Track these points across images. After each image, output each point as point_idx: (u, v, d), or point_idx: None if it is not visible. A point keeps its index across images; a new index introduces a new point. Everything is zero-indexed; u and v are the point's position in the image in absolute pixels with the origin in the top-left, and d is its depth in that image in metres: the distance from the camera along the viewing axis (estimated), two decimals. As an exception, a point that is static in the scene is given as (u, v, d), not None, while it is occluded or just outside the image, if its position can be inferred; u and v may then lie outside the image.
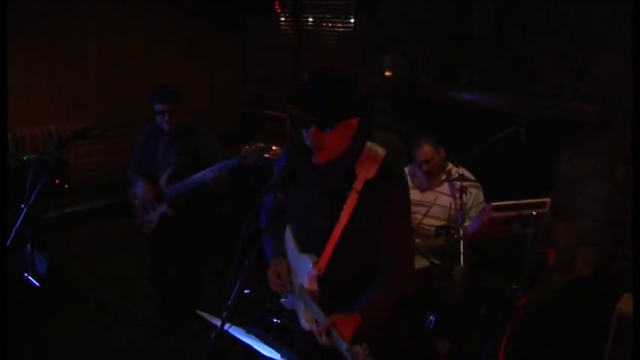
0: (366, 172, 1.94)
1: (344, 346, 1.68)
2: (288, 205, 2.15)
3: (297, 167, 1.99)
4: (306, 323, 2.05)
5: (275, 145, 5.81)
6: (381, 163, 1.96)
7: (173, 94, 3.58)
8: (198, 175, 3.48)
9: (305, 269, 2.03)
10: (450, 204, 3.51)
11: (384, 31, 5.05)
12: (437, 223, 3.51)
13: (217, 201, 4.32)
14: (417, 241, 3.52)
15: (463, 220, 3.35)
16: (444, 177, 3.63)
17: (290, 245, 2.18)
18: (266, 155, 5.48)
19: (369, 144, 2.02)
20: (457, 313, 3.38)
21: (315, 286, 2.01)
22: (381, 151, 2.01)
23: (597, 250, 3.98)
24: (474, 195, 3.55)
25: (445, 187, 3.63)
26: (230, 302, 1.83)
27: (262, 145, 3.33)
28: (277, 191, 1.99)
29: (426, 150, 3.54)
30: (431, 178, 3.63)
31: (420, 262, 3.28)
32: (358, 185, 1.93)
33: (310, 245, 2.05)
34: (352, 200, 1.93)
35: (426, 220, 3.56)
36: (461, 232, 3.23)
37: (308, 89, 1.85)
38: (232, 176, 3.61)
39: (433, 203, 3.58)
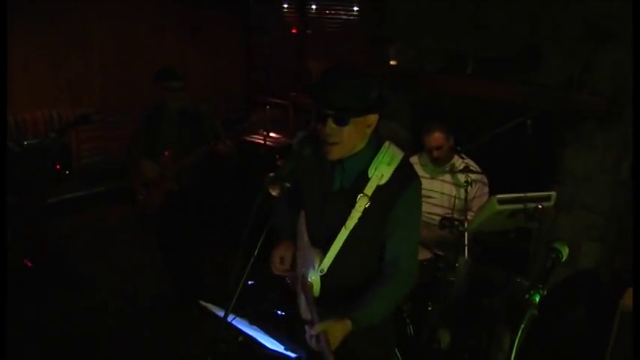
0: (379, 177, 1.90)
1: (326, 352, 1.69)
2: (302, 195, 2.13)
3: (302, 157, 1.96)
4: (303, 312, 2.06)
5: (274, 132, 5.79)
6: (395, 170, 1.92)
7: (182, 72, 3.73)
8: (205, 147, 3.57)
9: (310, 264, 2.01)
10: (455, 194, 3.50)
11: (389, 20, 5.00)
12: (441, 212, 3.51)
13: (221, 177, 4.35)
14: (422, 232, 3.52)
15: (467, 212, 3.33)
16: (447, 168, 3.62)
17: (302, 233, 2.15)
18: (268, 143, 5.54)
19: (387, 144, 1.97)
20: (460, 304, 3.38)
21: (317, 282, 2.00)
22: (398, 153, 1.96)
23: (601, 245, 3.96)
24: (478, 186, 3.54)
25: (449, 177, 3.63)
26: (234, 293, 1.82)
27: (270, 111, 3.37)
28: (281, 184, 1.95)
29: (437, 136, 3.54)
30: (438, 167, 3.62)
31: (424, 254, 3.27)
32: (370, 190, 1.90)
33: (318, 240, 2.03)
34: (362, 204, 1.90)
35: (431, 209, 3.56)
36: (465, 224, 3.22)
37: (326, 82, 1.81)
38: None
39: (439, 192, 3.58)
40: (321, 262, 1.97)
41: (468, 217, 3.33)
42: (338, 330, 1.77)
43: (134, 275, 4.41)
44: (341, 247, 1.95)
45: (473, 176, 3.44)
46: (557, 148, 4.08)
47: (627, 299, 3.14)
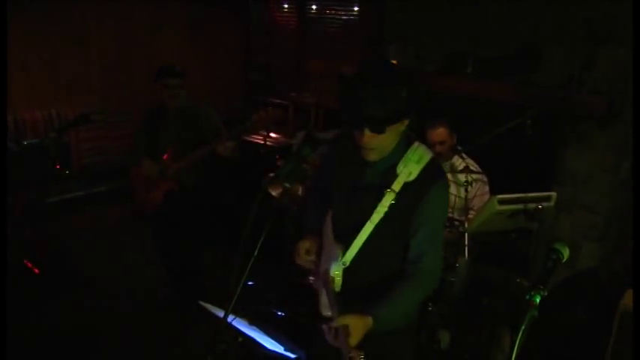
0: (407, 174, 1.92)
1: (345, 348, 1.68)
2: (331, 192, 2.16)
3: (303, 158, 1.97)
4: (324, 308, 2.05)
5: (274, 132, 5.79)
6: (424, 168, 1.93)
7: (181, 70, 3.73)
8: (206, 147, 3.55)
9: (333, 258, 2.02)
10: (455, 193, 3.50)
11: (389, 20, 4.99)
12: None
13: (222, 177, 4.35)
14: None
15: (467, 212, 3.33)
16: (447, 167, 3.62)
17: (328, 232, 2.17)
18: (268, 143, 5.54)
19: (416, 144, 1.98)
20: (460, 305, 3.37)
21: (339, 276, 2.00)
22: (427, 153, 1.98)
23: (601, 245, 3.96)
24: (479, 185, 3.54)
25: (450, 176, 3.62)
26: (234, 293, 1.82)
27: (272, 111, 3.37)
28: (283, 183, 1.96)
29: (441, 131, 3.55)
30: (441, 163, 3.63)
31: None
32: (397, 186, 1.91)
33: (343, 235, 2.04)
34: (388, 199, 1.91)
35: None
36: (465, 224, 3.21)
37: (358, 93, 1.78)
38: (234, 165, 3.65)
39: None
40: (344, 254, 1.97)
41: (469, 216, 3.33)
42: (359, 326, 1.76)
43: (134, 275, 4.41)
44: (365, 240, 1.96)
45: (473, 176, 3.44)
46: (557, 148, 4.07)
47: (627, 299, 3.13)
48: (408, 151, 1.95)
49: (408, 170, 1.91)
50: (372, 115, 1.77)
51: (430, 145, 3.58)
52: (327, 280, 2.01)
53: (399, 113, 1.80)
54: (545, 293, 1.35)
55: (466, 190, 3.36)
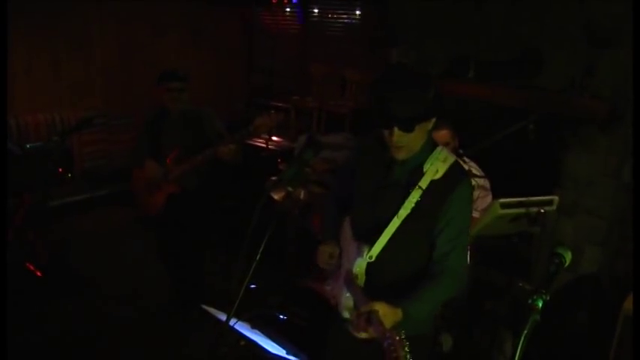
0: (434, 172, 1.97)
1: (381, 331, 1.68)
2: (353, 193, 2.18)
3: (305, 162, 1.97)
4: (344, 311, 2.07)
5: (276, 136, 5.79)
6: (450, 167, 1.99)
7: (184, 74, 3.75)
8: (209, 151, 3.54)
9: (356, 256, 2.03)
10: None
11: (391, 24, 5.00)
12: None
13: (224, 181, 4.35)
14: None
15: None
16: None
17: (346, 232, 2.19)
18: (270, 146, 5.54)
19: (441, 147, 2.06)
20: (462, 308, 3.37)
21: (362, 273, 2.02)
22: (452, 155, 2.04)
23: (603, 249, 3.95)
24: (481, 188, 3.53)
25: None
26: (236, 297, 1.82)
27: (275, 114, 3.39)
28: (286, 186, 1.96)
29: (445, 133, 3.53)
30: None
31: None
32: (424, 183, 1.96)
33: (367, 234, 2.06)
34: (415, 196, 1.95)
35: None
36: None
37: (386, 90, 1.85)
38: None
39: None
40: (370, 249, 2.00)
41: (473, 215, 3.32)
42: (390, 314, 1.78)
43: (136, 278, 4.42)
44: (392, 236, 1.98)
45: (477, 180, 3.44)
46: (559, 152, 4.07)
47: (629, 304, 3.13)
48: (434, 152, 2.02)
49: (435, 168, 1.97)
50: (401, 115, 1.84)
51: None
52: (351, 278, 2.03)
53: (426, 112, 1.87)
54: (548, 297, 1.35)
55: None
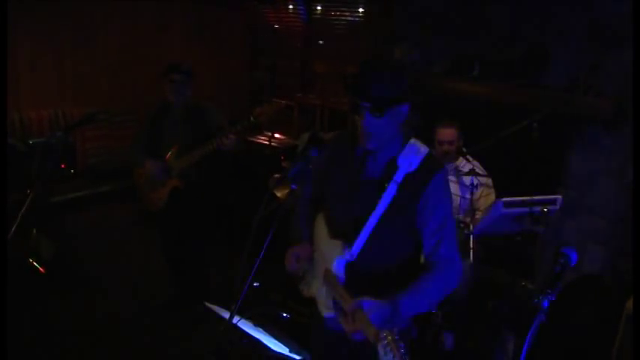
0: (408, 165, 1.95)
1: (371, 331, 1.64)
2: (326, 191, 2.16)
3: (309, 159, 1.97)
4: (324, 310, 2.05)
5: (279, 133, 5.79)
6: (424, 159, 1.97)
7: (188, 68, 3.74)
8: (210, 142, 3.56)
9: (335, 254, 2.01)
10: (460, 194, 3.50)
11: (395, 21, 4.99)
12: None
13: (227, 177, 4.36)
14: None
15: (474, 213, 3.33)
16: (453, 167, 3.62)
17: (321, 232, 2.17)
18: (273, 143, 5.54)
19: (413, 140, 2.03)
20: (464, 307, 3.37)
21: (342, 272, 2.00)
22: (424, 147, 2.02)
23: (606, 249, 3.95)
24: (484, 187, 3.53)
25: (454, 177, 3.62)
26: (240, 295, 1.82)
27: (275, 103, 3.39)
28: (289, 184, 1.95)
29: (451, 132, 3.56)
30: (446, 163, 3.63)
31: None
32: (399, 177, 1.94)
33: (344, 232, 2.03)
34: (391, 191, 1.94)
35: None
36: (471, 227, 3.21)
37: (360, 76, 1.86)
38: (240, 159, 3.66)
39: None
40: (350, 248, 1.98)
41: (476, 216, 3.32)
42: (374, 308, 1.74)
43: (138, 275, 4.42)
44: (371, 233, 1.96)
45: (481, 179, 3.44)
46: (563, 151, 4.06)
47: (632, 303, 3.12)
48: (407, 145, 1.99)
49: (409, 162, 1.95)
50: (374, 93, 1.83)
51: (438, 143, 3.59)
52: (330, 278, 2.00)
53: (398, 96, 1.87)
54: (554, 298, 1.34)
55: (471, 193, 3.36)
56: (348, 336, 1.79)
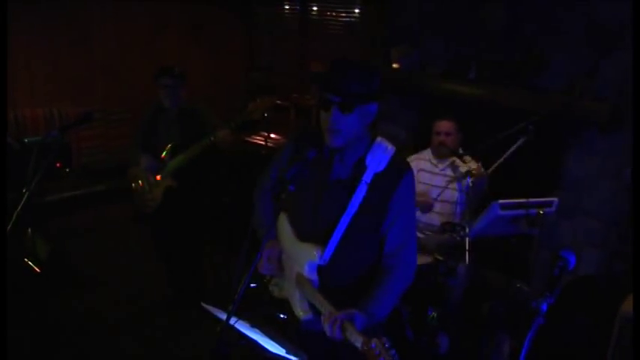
0: (376, 165, 1.95)
1: (360, 341, 1.65)
2: (292, 193, 2.08)
3: (307, 160, 1.96)
4: (300, 313, 2.05)
5: (275, 134, 5.78)
6: (391, 158, 1.97)
7: (180, 71, 3.76)
8: (204, 140, 3.60)
9: (306, 258, 2.00)
10: (456, 188, 3.52)
11: (392, 23, 4.99)
12: (441, 208, 3.54)
13: (222, 178, 4.35)
14: (421, 236, 3.51)
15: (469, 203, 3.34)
16: (448, 162, 3.63)
17: (287, 233, 2.14)
18: (269, 144, 5.53)
19: (379, 139, 2.03)
20: (459, 310, 3.37)
21: (315, 275, 1.99)
22: (391, 145, 2.02)
23: (602, 250, 3.96)
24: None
25: (450, 171, 3.63)
26: (236, 296, 1.81)
27: (269, 98, 3.44)
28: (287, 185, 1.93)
29: (449, 124, 3.61)
30: (439, 158, 3.62)
31: (425, 259, 3.26)
32: (368, 177, 1.94)
33: (313, 234, 2.02)
34: (361, 192, 1.93)
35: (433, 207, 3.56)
36: (467, 229, 3.21)
37: (331, 72, 1.87)
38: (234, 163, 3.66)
39: (441, 186, 3.57)
40: (322, 252, 1.96)
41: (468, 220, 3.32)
42: (358, 318, 1.78)
43: (133, 275, 4.41)
44: (342, 235, 1.96)
45: (473, 166, 3.46)
46: (560, 153, 4.07)
47: (627, 305, 3.13)
48: (374, 144, 2.00)
49: (377, 161, 1.95)
50: (344, 88, 1.83)
51: (435, 134, 3.61)
52: (304, 282, 1.99)
53: (367, 94, 1.87)
54: (552, 300, 1.34)
55: (468, 185, 3.36)
56: (327, 336, 1.80)
